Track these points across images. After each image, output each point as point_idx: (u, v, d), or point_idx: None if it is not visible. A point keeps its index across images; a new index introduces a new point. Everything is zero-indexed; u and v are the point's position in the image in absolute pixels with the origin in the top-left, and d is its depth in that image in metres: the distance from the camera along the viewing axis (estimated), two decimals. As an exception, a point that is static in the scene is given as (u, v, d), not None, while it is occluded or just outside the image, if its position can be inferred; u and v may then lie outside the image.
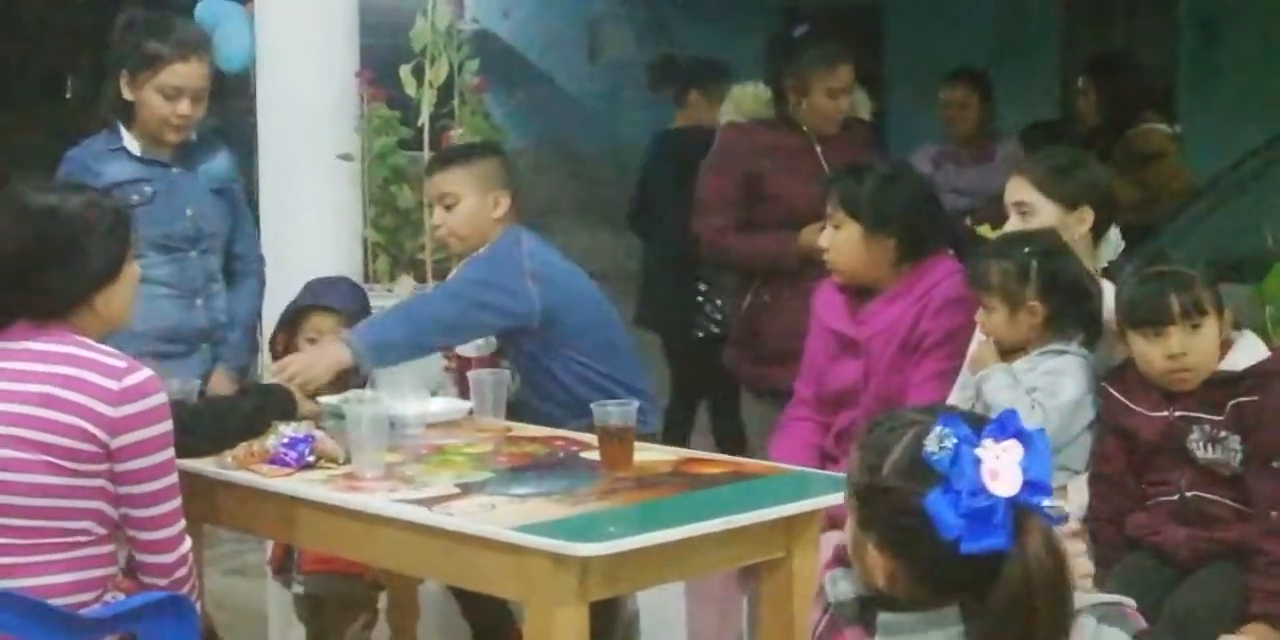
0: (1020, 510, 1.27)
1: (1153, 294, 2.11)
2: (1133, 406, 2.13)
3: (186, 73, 2.74)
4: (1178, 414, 2.05)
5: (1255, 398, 2.03)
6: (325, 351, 2.62)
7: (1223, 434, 2.03)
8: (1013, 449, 1.28)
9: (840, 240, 2.48)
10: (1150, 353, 2.08)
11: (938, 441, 1.29)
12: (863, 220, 2.44)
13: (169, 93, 2.73)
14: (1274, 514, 2.01)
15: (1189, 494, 2.03)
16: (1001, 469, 1.28)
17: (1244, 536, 2.03)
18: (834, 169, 2.99)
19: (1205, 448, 2.07)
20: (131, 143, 2.81)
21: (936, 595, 1.32)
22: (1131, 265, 2.43)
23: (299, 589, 2.78)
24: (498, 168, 2.84)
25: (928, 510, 1.27)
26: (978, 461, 1.27)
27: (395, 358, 2.63)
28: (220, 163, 2.95)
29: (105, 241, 2.05)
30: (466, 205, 2.78)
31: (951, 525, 1.26)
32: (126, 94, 2.78)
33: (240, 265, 3.00)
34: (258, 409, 2.46)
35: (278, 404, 2.49)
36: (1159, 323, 2.05)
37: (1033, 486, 1.28)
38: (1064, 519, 1.37)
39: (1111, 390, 2.17)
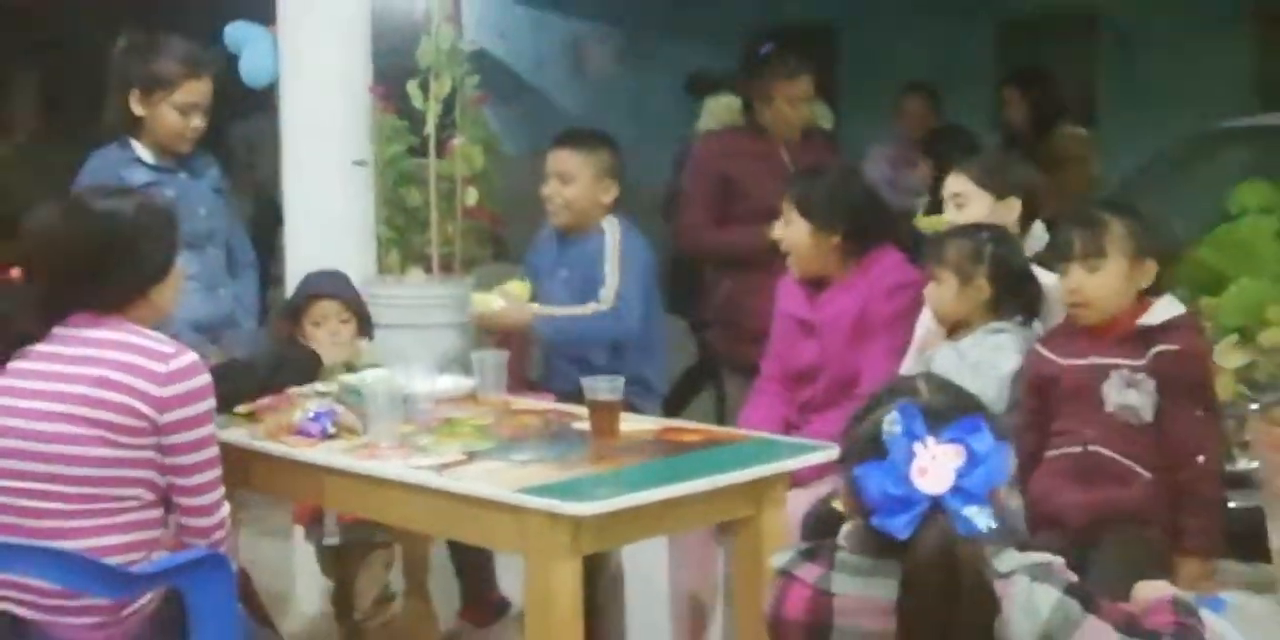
0: (936, 510, 1.37)
1: (1064, 232, 2.30)
2: (1053, 357, 2.29)
3: (200, 90, 2.93)
4: (1096, 360, 2.20)
5: (1176, 346, 2.18)
6: (520, 311, 2.83)
7: (1140, 376, 2.16)
8: (952, 454, 1.37)
9: (791, 235, 2.70)
10: (1059, 287, 2.29)
11: (889, 424, 1.40)
12: (811, 218, 2.65)
13: (184, 109, 2.92)
14: (1200, 458, 2.19)
15: (1090, 448, 2.17)
16: (932, 468, 1.38)
17: (1139, 500, 2.18)
18: (798, 170, 3.23)
19: (1121, 392, 2.19)
20: (144, 152, 2.96)
21: (878, 549, 1.43)
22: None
23: (331, 540, 2.92)
24: (612, 159, 3.04)
25: (855, 476, 1.41)
26: (912, 455, 1.38)
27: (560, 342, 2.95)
28: (215, 169, 3.13)
29: (158, 242, 2.21)
30: (581, 184, 3.00)
31: (869, 497, 1.39)
32: (138, 110, 2.94)
33: (238, 256, 3.18)
34: (282, 365, 2.65)
35: (298, 361, 2.68)
36: (1062, 258, 2.25)
37: (962, 493, 1.37)
38: (982, 530, 1.43)
39: (1038, 346, 2.33)
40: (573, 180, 3.00)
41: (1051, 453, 2.28)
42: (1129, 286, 2.23)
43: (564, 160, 3.01)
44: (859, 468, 1.41)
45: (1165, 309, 2.24)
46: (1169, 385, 2.19)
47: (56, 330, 2.14)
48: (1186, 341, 2.21)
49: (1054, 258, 2.45)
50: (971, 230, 2.49)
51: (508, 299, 2.92)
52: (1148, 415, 2.17)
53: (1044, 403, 2.32)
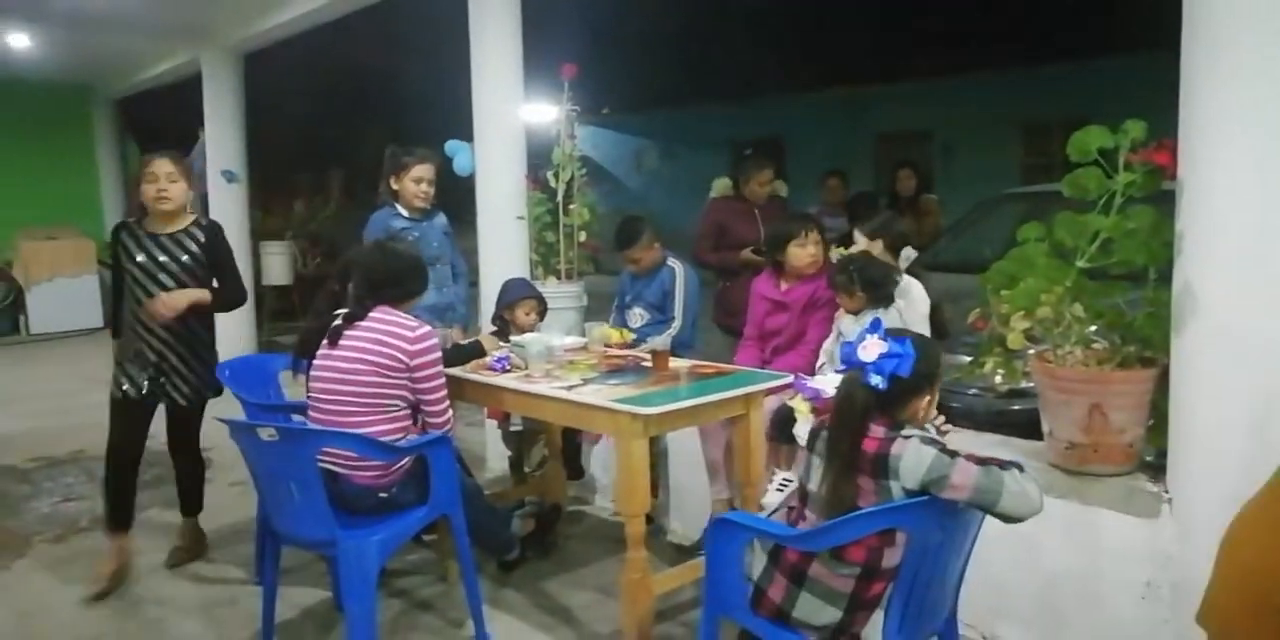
0: (860, 368, 2.02)
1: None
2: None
3: (424, 170, 3.94)
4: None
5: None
6: (622, 336, 3.70)
7: None
8: (880, 345, 2.01)
9: (814, 251, 3.56)
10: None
11: (864, 328, 2.07)
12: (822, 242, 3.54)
13: (415, 180, 3.93)
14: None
15: None
16: (869, 347, 2.03)
17: None
18: (765, 222, 4.26)
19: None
20: (401, 210, 3.97)
21: None
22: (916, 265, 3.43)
23: (517, 427, 3.80)
24: (653, 231, 4.08)
25: (841, 347, 2.20)
26: (864, 338, 2.03)
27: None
28: (442, 218, 4.09)
29: (421, 269, 3.11)
30: (649, 250, 4.04)
31: (842, 354, 2.10)
32: (394, 186, 3.92)
33: (456, 270, 4.15)
34: (469, 351, 3.43)
35: (477, 349, 3.43)
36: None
37: (875, 365, 2.02)
38: (872, 385, 1.96)
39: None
40: (640, 257, 3.97)
41: None
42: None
43: (630, 252, 4.00)
44: (843, 345, 2.20)
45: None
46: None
47: (372, 314, 2.90)
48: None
49: (915, 268, 3.30)
50: (845, 263, 3.24)
51: (606, 336, 3.75)
52: None
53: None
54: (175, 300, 3.48)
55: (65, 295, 10.24)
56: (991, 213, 5.48)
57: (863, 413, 1.98)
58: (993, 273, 2.93)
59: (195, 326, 3.57)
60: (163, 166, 3.55)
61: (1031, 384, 2.90)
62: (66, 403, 6.81)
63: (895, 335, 2.02)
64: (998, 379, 2.96)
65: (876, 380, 1.97)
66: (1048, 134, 11.10)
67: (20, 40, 8.22)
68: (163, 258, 3.54)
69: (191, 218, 3.63)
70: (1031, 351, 2.81)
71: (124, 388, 3.55)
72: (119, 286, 3.63)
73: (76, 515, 4.45)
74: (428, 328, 2.88)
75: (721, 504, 3.55)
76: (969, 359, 3.11)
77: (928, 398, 2.12)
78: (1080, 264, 2.78)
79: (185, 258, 3.56)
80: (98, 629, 3.22)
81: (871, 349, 1.98)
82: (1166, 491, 2.58)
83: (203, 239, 3.57)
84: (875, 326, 2.01)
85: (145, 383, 3.54)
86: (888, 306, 3.21)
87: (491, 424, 4.41)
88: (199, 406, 3.63)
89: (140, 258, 3.54)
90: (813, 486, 2.11)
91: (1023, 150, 12.19)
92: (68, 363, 8.66)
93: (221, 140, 8.32)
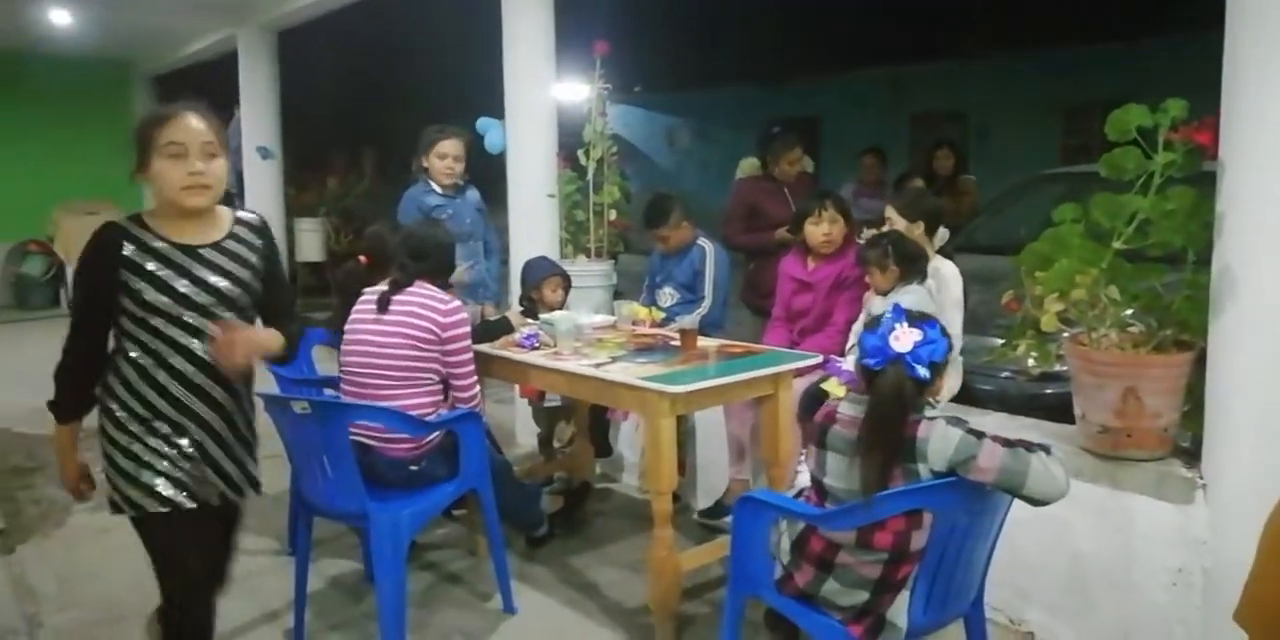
0: (898, 360, 1.91)
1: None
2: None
3: (449, 145, 3.98)
4: None
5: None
6: (653, 313, 3.73)
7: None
8: (914, 333, 1.93)
9: (835, 230, 3.54)
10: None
11: (884, 314, 2.00)
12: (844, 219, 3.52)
13: (441, 156, 3.97)
14: None
15: None
16: (903, 336, 1.93)
17: None
18: (796, 201, 4.18)
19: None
20: (434, 186, 4.01)
21: (865, 386, 2.00)
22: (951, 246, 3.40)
23: (554, 403, 3.86)
24: (681, 209, 4.04)
25: (862, 337, 1.99)
26: (891, 329, 1.93)
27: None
28: (476, 194, 4.14)
29: (451, 249, 3.14)
30: (679, 230, 4.02)
31: (864, 348, 1.98)
32: (425, 163, 3.95)
33: (489, 246, 4.21)
34: (498, 327, 3.45)
35: (505, 325, 3.46)
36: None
37: (914, 354, 1.94)
38: (922, 378, 1.90)
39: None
40: (669, 236, 3.95)
41: None
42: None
43: (659, 231, 3.99)
44: (864, 334, 1.99)
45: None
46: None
47: (411, 287, 2.93)
48: None
49: (945, 248, 3.27)
50: (878, 238, 3.22)
51: (636, 312, 3.79)
52: None
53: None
54: (262, 341, 2.21)
55: (104, 270, 10.42)
56: (1027, 194, 5.43)
57: (909, 405, 1.94)
58: (1027, 254, 2.90)
59: (245, 392, 2.32)
60: (191, 130, 2.10)
61: (1064, 367, 2.88)
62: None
63: (916, 320, 1.98)
64: (1030, 362, 2.93)
65: (923, 372, 1.92)
66: (1087, 115, 10.86)
67: (62, 18, 8.33)
68: (221, 281, 2.15)
69: (230, 214, 2.25)
70: (1065, 334, 2.78)
71: (162, 491, 2.13)
72: (91, 326, 2.12)
73: (116, 485, 4.53)
74: (457, 303, 2.93)
75: (740, 484, 3.57)
76: (1001, 341, 3.09)
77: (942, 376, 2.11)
78: (1117, 245, 2.75)
79: (248, 275, 2.21)
80: (133, 597, 3.28)
81: (905, 339, 1.92)
82: (1201, 477, 2.56)
83: (259, 245, 2.25)
84: (898, 313, 1.97)
85: (186, 478, 2.18)
86: (922, 282, 3.18)
87: (522, 402, 4.47)
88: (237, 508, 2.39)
89: (183, 286, 2.11)
90: (831, 481, 2.08)
91: (1062, 131, 11.93)
92: (107, 336, 8.83)
93: (256, 117, 8.41)
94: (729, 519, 2.98)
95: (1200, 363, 2.57)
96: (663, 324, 3.77)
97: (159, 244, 2.11)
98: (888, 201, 3.49)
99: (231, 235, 2.21)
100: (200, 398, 2.16)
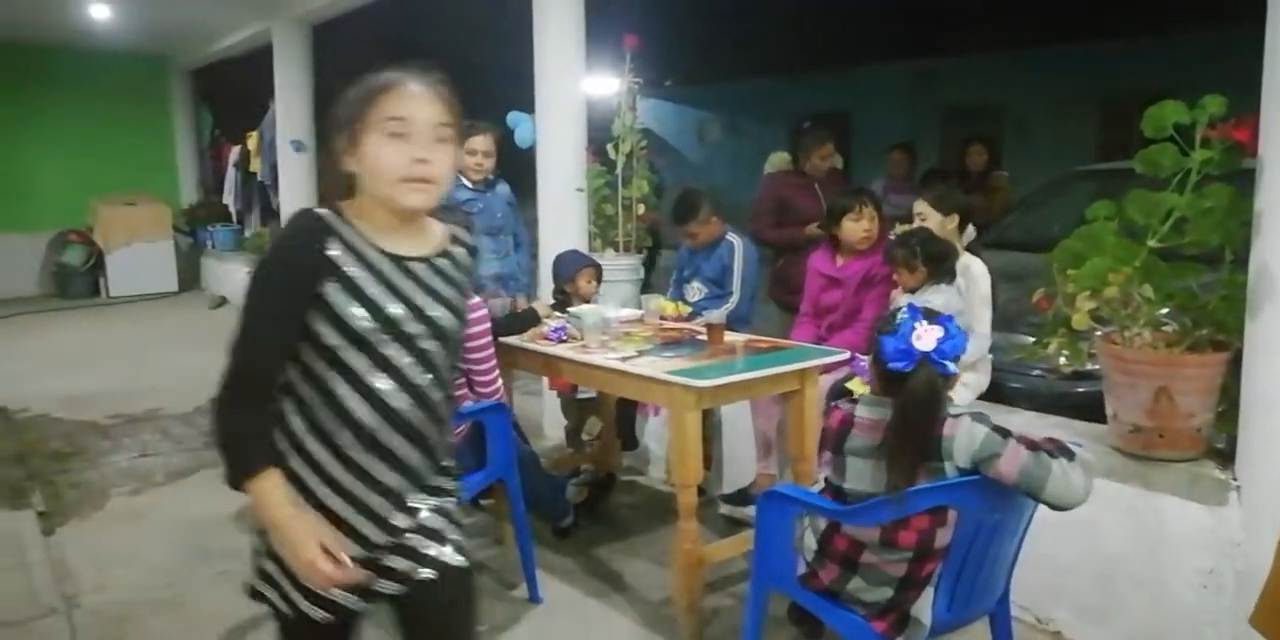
0: (925, 359, 1.90)
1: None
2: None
3: (474, 142, 4.00)
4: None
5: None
6: (679, 308, 3.71)
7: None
8: (935, 330, 1.91)
9: (869, 226, 3.54)
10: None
11: (901, 314, 1.97)
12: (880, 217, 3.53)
13: (471, 152, 4.00)
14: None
15: None
16: (925, 335, 1.90)
17: None
18: (826, 196, 4.11)
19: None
20: (465, 181, 4.04)
21: (884, 389, 1.98)
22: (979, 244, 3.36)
23: (586, 395, 3.89)
24: (711, 203, 4.03)
25: (880, 341, 1.96)
26: (912, 329, 1.91)
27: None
28: (506, 188, 4.18)
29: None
30: (708, 225, 4.01)
31: (885, 353, 1.95)
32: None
33: (519, 240, 4.25)
34: (525, 319, 3.46)
35: (532, 317, 3.46)
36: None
37: (939, 351, 1.91)
38: (952, 373, 1.88)
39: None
40: (698, 232, 3.96)
41: None
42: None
43: (687, 226, 3.99)
44: (882, 338, 1.95)
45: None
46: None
47: None
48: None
49: (973, 245, 3.23)
50: (906, 237, 3.20)
51: (663, 307, 3.78)
52: None
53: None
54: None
55: (142, 259, 10.66)
56: (1061, 190, 5.39)
57: (942, 402, 1.94)
58: (1059, 251, 2.88)
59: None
60: (422, 104, 1.59)
61: (1096, 366, 2.87)
62: (142, 363, 7.14)
63: (931, 316, 1.97)
64: (1061, 360, 2.91)
65: (952, 367, 1.92)
66: (1125, 110, 10.63)
67: (101, 12, 8.49)
68: (435, 308, 1.60)
69: (441, 227, 1.71)
70: (1098, 333, 2.76)
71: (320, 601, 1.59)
72: (269, 348, 1.52)
73: (152, 470, 4.65)
74: (477, 299, 2.95)
75: (766, 479, 3.58)
76: (1032, 339, 3.07)
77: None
78: (1151, 244, 2.72)
79: (458, 300, 1.66)
80: (168, 580, 3.37)
81: (927, 337, 1.90)
82: (1235, 479, 2.53)
83: (469, 263, 1.74)
84: (913, 312, 1.95)
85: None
86: (950, 282, 3.18)
87: (550, 394, 4.52)
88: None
89: (393, 308, 1.54)
90: (851, 485, 2.07)
91: (1099, 127, 11.70)
92: (144, 325, 9.03)
93: (291, 110, 8.52)
94: (751, 509, 2.98)
95: (1236, 363, 2.54)
96: (689, 318, 3.78)
97: (369, 251, 1.53)
98: (918, 196, 3.49)
99: (445, 253, 1.64)
100: (384, 458, 1.56)
